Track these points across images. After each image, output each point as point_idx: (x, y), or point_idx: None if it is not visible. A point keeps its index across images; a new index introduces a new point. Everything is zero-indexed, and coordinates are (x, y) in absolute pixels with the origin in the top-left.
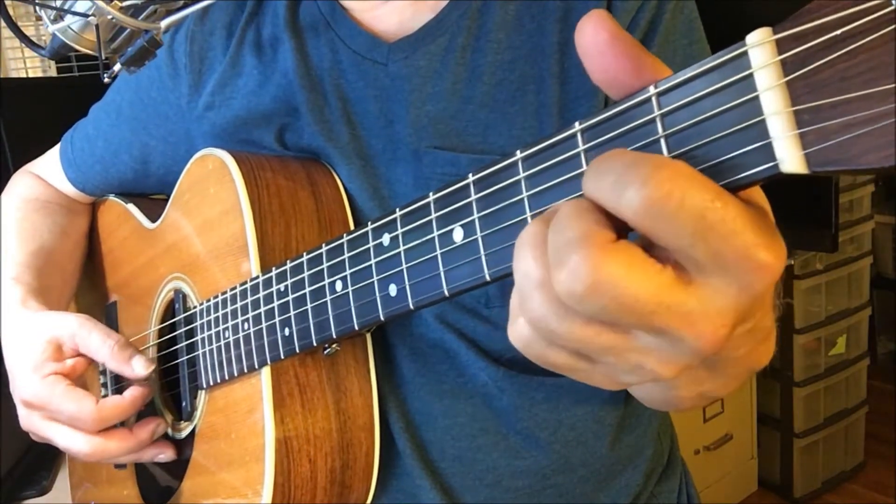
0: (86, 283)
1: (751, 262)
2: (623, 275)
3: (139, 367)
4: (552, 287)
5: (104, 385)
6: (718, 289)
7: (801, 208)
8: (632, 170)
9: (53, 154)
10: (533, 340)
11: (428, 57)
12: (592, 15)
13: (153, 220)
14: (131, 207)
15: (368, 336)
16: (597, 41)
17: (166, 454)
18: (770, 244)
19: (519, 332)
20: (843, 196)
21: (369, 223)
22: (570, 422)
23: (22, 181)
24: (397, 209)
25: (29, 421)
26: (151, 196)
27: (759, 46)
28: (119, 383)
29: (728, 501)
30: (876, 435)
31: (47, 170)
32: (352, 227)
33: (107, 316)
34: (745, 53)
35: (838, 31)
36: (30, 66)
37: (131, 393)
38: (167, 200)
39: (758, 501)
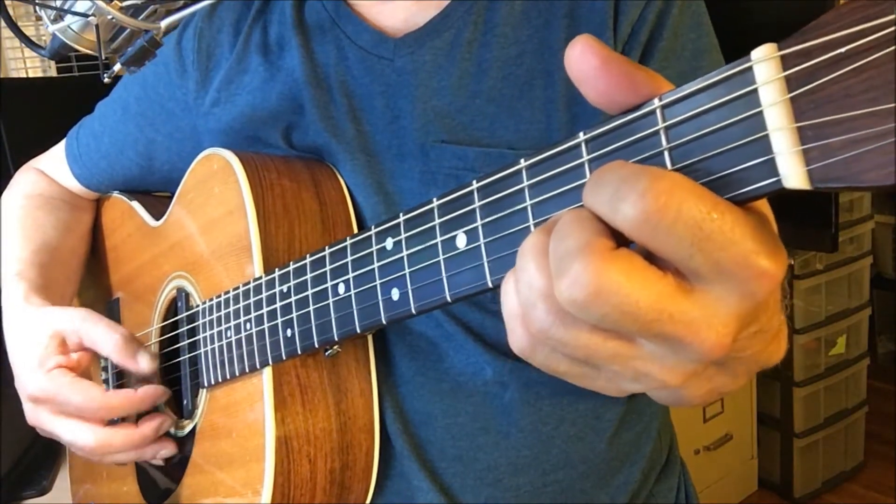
0: (89, 279)
1: (751, 269)
2: (624, 282)
3: (144, 362)
4: (556, 296)
5: (106, 381)
6: (720, 296)
7: (801, 208)
8: (628, 182)
9: (58, 150)
10: (536, 348)
11: (434, 52)
12: (577, 41)
13: (157, 218)
14: (135, 205)
15: (370, 337)
16: (587, 67)
17: (167, 450)
18: (770, 251)
19: (521, 341)
20: (842, 196)
21: (372, 227)
22: (572, 417)
23: (26, 177)
24: (401, 213)
25: (35, 416)
26: (155, 193)
27: (765, 62)
28: (121, 379)
29: (728, 501)
30: (876, 435)
31: (52, 166)
32: (355, 229)
33: (109, 313)
34: (750, 68)
35: (844, 49)
36: (30, 66)
37: (145, 390)
38: (171, 198)
39: (758, 501)
